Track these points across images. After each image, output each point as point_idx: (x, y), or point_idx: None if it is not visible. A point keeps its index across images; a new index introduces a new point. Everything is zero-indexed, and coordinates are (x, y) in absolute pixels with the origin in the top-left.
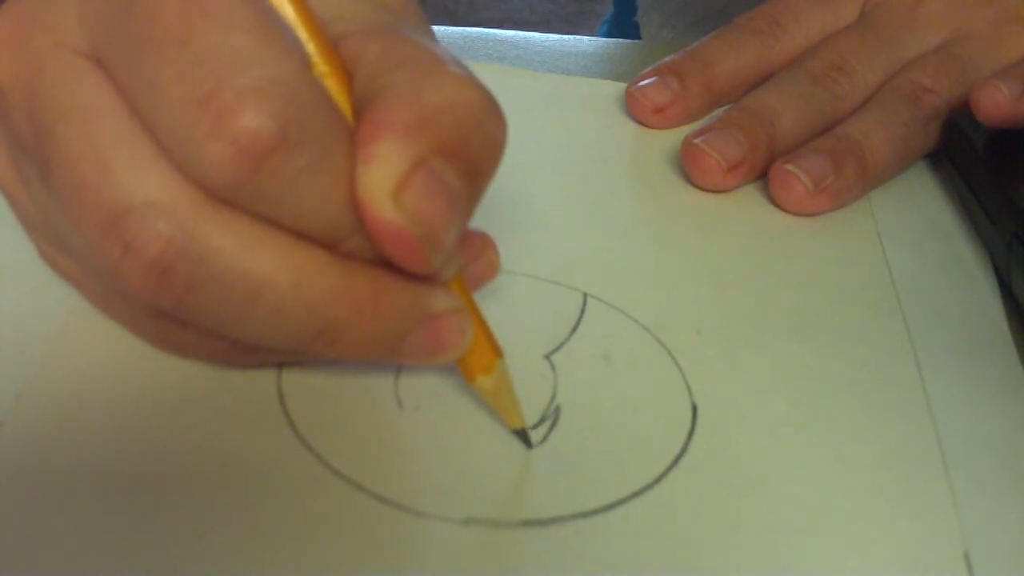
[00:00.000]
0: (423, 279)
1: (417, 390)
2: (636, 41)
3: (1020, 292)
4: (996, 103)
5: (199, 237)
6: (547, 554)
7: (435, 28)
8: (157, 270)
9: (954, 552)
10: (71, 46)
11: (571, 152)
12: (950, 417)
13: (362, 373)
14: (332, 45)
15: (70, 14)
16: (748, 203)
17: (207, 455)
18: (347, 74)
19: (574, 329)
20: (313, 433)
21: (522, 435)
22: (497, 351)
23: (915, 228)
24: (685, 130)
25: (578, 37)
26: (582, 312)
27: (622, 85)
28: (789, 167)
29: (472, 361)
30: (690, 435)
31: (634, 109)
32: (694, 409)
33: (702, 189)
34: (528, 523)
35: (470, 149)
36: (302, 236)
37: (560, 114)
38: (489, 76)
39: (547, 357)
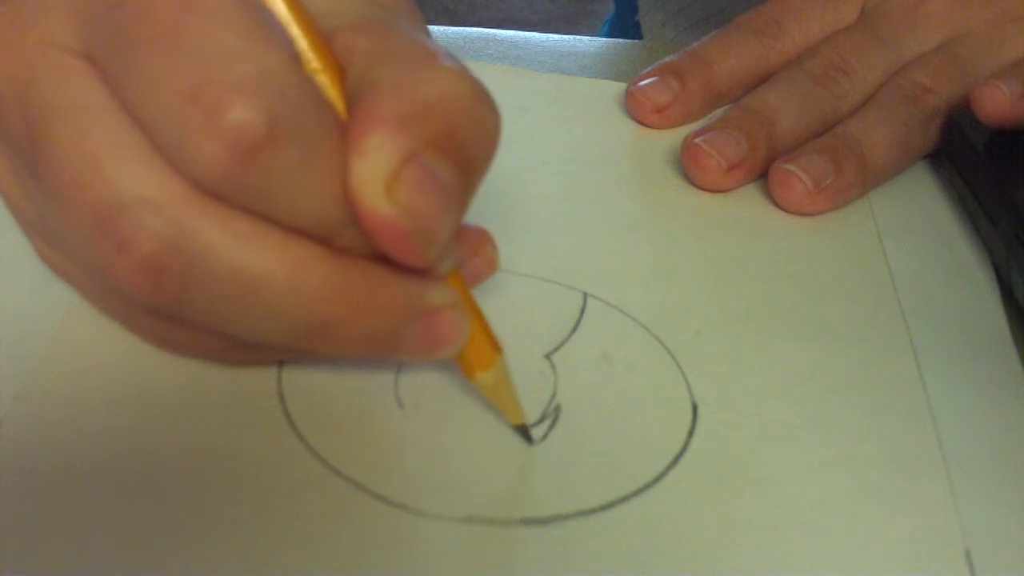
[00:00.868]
0: (419, 274)
1: (417, 390)
2: (637, 41)
3: (1020, 292)
4: (996, 103)
5: (192, 234)
6: (547, 553)
7: (435, 28)
8: (151, 268)
9: (955, 551)
10: (62, 45)
11: (571, 152)
12: (950, 417)
13: (362, 373)
14: (324, 40)
15: (61, 13)
16: (748, 203)
17: (207, 455)
18: (339, 69)
19: (574, 329)
20: (313, 433)
21: (523, 431)
22: (496, 347)
23: (915, 228)
24: (685, 130)
25: (578, 37)
26: (582, 312)
27: (622, 85)
28: (789, 167)
29: (471, 357)
30: (690, 434)
31: (634, 109)
32: (694, 408)
33: (702, 189)
34: (528, 522)
35: (463, 142)
36: (297, 232)
37: (560, 114)
38: (489, 76)
39: (547, 356)
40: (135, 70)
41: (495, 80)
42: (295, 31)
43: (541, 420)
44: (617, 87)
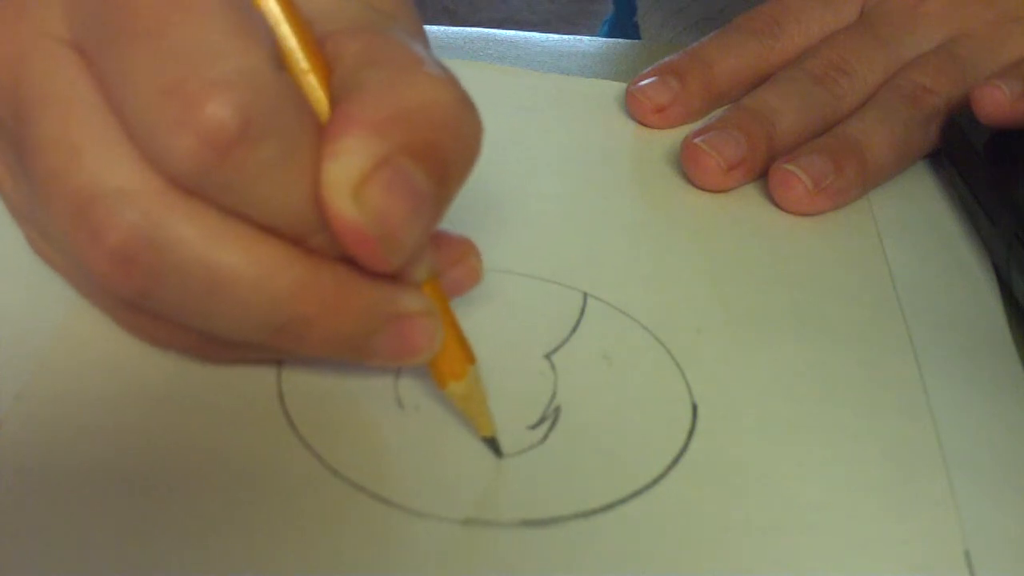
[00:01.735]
0: (392, 279)
1: (417, 390)
2: (636, 41)
3: (1020, 292)
4: (997, 103)
5: (163, 226)
6: (547, 554)
7: (435, 28)
8: (120, 258)
9: (954, 551)
10: (55, 34)
11: (571, 152)
12: (950, 417)
13: (362, 373)
14: (316, 42)
15: (56, 3)
16: (748, 203)
17: (207, 454)
18: (328, 71)
19: (574, 329)
20: (313, 433)
21: (492, 443)
22: (470, 357)
23: (915, 228)
24: (685, 130)
25: (578, 37)
26: (582, 312)
27: (622, 85)
28: (789, 167)
29: (443, 366)
30: (690, 434)
31: (634, 109)
32: (694, 408)
33: (702, 189)
34: (528, 523)
35: (441, 150)
36: (269, 230)
37: (560, 114)
38: (489, 76)
39: (547, 357)
40: (118, 62)
41: (495, 80)
42: (285, 30)
43: (541, 421)
44: (617, 87)
